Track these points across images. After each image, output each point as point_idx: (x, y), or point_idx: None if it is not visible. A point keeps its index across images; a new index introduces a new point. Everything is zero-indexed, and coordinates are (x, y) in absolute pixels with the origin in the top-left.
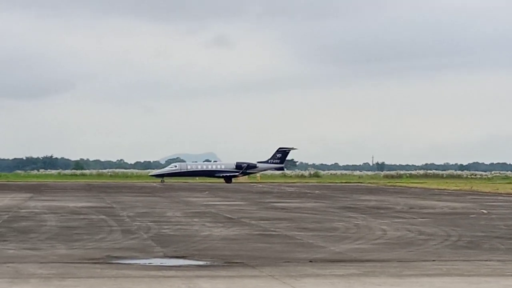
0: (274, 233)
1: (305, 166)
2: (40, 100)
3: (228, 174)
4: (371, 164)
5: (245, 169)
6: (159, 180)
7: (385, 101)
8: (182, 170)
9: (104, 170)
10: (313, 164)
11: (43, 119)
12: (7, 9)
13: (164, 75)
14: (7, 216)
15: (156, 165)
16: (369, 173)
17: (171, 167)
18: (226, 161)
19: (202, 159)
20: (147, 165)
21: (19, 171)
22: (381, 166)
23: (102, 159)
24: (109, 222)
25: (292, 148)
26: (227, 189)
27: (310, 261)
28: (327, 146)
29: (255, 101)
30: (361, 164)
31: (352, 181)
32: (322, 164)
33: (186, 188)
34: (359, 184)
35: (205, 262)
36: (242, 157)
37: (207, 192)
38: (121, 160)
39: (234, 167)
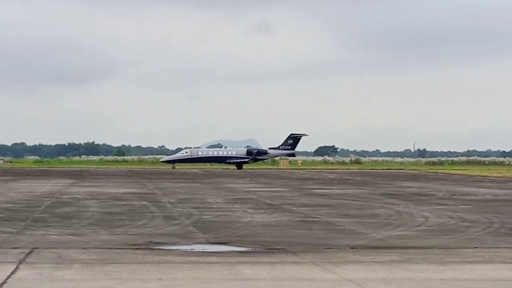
0: (315, 219)
1: (346, 153)
2: (83, 87)
3: (238, 161)
4: (412, 151)
5: (255, 155)
6: (170, 166)
7: (427, 87)
8: (193, 156)
9: (145, 156)
10: (354, 150)
11: (85, 105)
12: None
13: (206, 62)
14: (49, 201)
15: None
16: (411, 159)
17: (182, 153)
18: (237, 147)
19: (242, 145)
20: None
21: (61, 157)
22: (422, 153)
23: (144, 146)
24: (151, 208)
25: (304, 134)
26: (268, 176)
27: (352, 248)
28: (368, 133)
29: (296, 87)
30: (403, 150)
31: (393, 167)
32: (363, 151)
33: (227, 174)
34: (401, 170)
35: (247, 248)
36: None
37: (248, 178)
38: (162, 146)
39: (245, 153)
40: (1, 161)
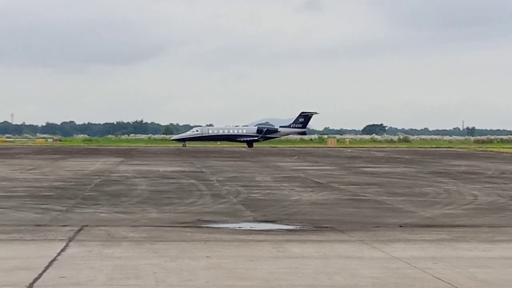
0: (363, 198)
1: (394, 131)
2: (132, 66)
3: (249, 139)
4: (461, 129)
5: (265, 133)
6: (180, 144)
7: (476, 66)
8: (203, 135)
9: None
10: (403, 129)
11: (134, 84)
12: None
13: (255, 40)
14: (99, 180)
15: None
16: (459, 138)
17: (193, 131)
18: (248, 126)
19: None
20: None
21: (110, 136)
22: (471, 131)
23: (192, 124)
24: (199, 187)
25: (315, 113)
26: (316, 154)
27: (400, 226)
28: (416, 111)
29: (344, 66)
30: (451, 129)
31: (442, 146)
32: (411, 129)
33: (275, 152)
34: (449, 149)
35: (295, 227)
36: (331, 122)
37: (296, 156)
38: (210, 124)
39: (255, 131)
40: (51, 140)
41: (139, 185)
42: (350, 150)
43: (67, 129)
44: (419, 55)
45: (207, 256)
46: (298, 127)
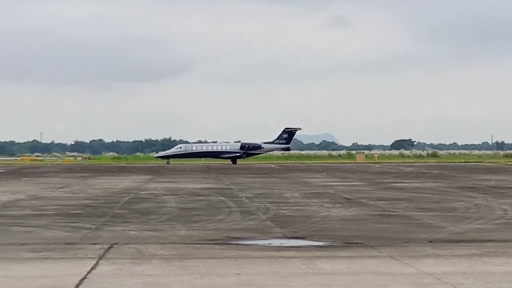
0: (392, 213)
1: (423, 146)
2: (159, 83)
3: (232, 155)
4: (490, 143)
5: (247, 149)
6: (164, 161)
7: (505, 80)
8: (187, 151)
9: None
10: (431, 143)
11: (162, 101)
12: None
13: (282, 56)
14: (128, 197)
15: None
16: (488, 152)
17: (177, 148)
18: (232, 142)
19: (319, 140)
20: None
21: (138, 153)
22: (500, 145)
23: (220, 141)
24: (228, 203)
25: (298, 128)
26: (344, 170)
27: (430, 242)
28: (445, 126)
29: (372, 81)
30: (480, 143)
31: (471, 160)
32: (440, 144)
33: (303, 168)
34: (478, 163)
35: (324, 243)
36: (359, 138)
37: (324, 172)
38: (238, 141)
39: (239, 147)
40: (80, 158)
41: (168, 203)
42: (378, 166)
43: (96, 147)
44: (447, 69)
45: (237, 273)
46: (282, 143)
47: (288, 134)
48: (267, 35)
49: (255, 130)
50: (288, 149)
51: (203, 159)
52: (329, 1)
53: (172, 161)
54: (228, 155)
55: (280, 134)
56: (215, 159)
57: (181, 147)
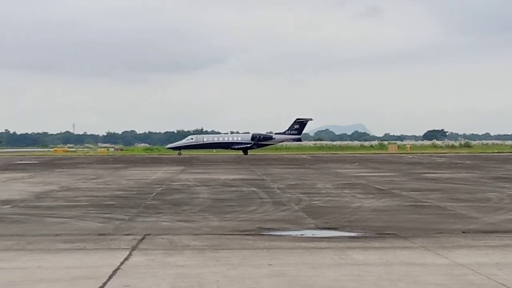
0: (425, 204)
1: (455, 136)
2: (191, 74)
3: (243, 146)
4: None
5: (258, 140)
6: (176, 152)
7: None
8: (198, 143)
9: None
10: (464, 134)
11: (193, 93)
12: None
13: (313, 47)
14: (160, 188)
15: (305, 137)
16: None
17: (188, 140)
18: (242, 133)
19: (351, 130)
20: None
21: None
22: None
23: (252, 132)
24: (260, 194)
25: (309, 119)
26: (377, 160)
27: (463, 232)
28: (477, 116)
29: (403, 72)
30: None
31: (504, 150)
32: (472, 134)
33: (335, 159)
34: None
35: (357, 234)
36: (391, 128)
37: (356, 163)
38: (270, 132)
39: (250, 138)
40: (112, 149)
41: (200, 194)
42: (411, 156)
43: (128, 138)
44: (480, 60)
45: (270, 264)
46: (293, 134)
47: (300, 125)
48: (299, 26)
49: (286, 121)
50: (299, 139)
51: (214, 150)
52: None
53: (183, 152)
54: (239, 146)
55: (291, 125)
56: (226, 150)
57: (192, 138)
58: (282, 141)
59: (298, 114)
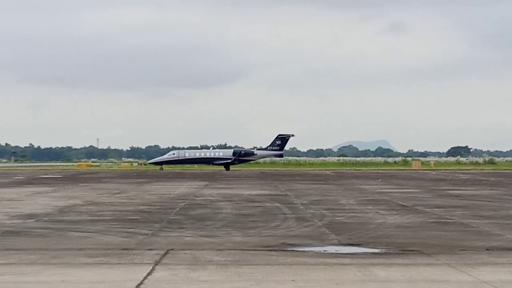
0: (449, 220)
1: (479, 153)
2: (215, 89)
3: (224, 162)
4: None
5: (238, 155)
6: (158, 167)
7: None
8: (180, 158)
9: (276, 158)
10: (488, 151)
11: (217, 107)
12: None
13: (338, 63)
14: (183, 203)
15: (329, 153)
16: None
17: (170, 155)
18: (224, 149)
19: (374, 146)
20: (319, 152)
21: None
22: None
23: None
24: (284, 210)
25: (291, 135)
26: (400, 177)
27: (487, 249)
28: (502, 133)
29: (427, 88)
30: None
31: None
32: (497, 151)
33: (358, 175)
34: None
35: (380, 250)
36: (415, 145)
37: (380, 179)
38: (293, 148)
39: (232, 154)
40: (136, 164)
41: (224, 209)
42: (434, 173)
43: (152, 153)
44: (505, 76)
45: (293, 280)
46: (275, 150)
47: (281, 141)
48: (324, 41)
49: (310, 136)
50: (281, 155)
51: (196, 165)
52: (385, 8)
53: (165, 167)
54: (220, 162)
55: (273, 141)
56: (208, 165)
57: (174, 153)
58: (264, 156)
59: (321, 129)
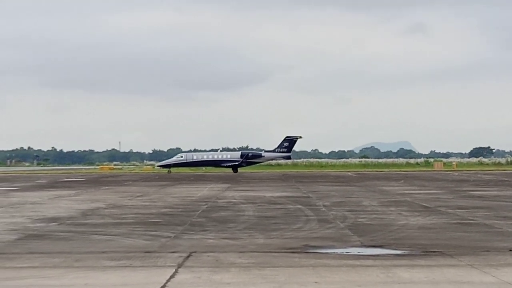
0: (472, 221)
1: (502, 154)
2: (237, 92)
3: (232, 164)
4: None
5: (245, 157)
6: (165, 170)
7: None
8: (188, 161)
9: (298, 160)
10: (510, 151)
11: (239, 110)
12: (204, 0)
13: (358, 65)
14: (206, 206)
15: (350, 154)
16: None
17: (178, 158)
18: (232, 151)
19: (396, 148)
20: (341, 154)
21: None
22: None
23: (297, 149)
24: (306, 212)
25: (299, 137)
26: (423, 178)
27: (510, 250)
28: None
29: (449, 88)
30: None
31: None
32: None
33: (380, 177)
34: None
35: (403, 251)
36: (437, 145)
37: (402, 181)
38: (315, 149)
39: (239, 156)
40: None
41: (246, 211)
42: (457, 174)
43: (173, 155)
44: None
45: (316, 282)
46: (283, 152)
47: (289, 143)
48: (344, 43)
49: (331, 138)
50: (289, 157)
51: (204, 167)
52: (405, 9)
53: (173, 170)
54: (228, 164)
55: (281, 143)
56: (216, 167)
57: (182, 156)
58: (272, 158)
59: (342, 131)
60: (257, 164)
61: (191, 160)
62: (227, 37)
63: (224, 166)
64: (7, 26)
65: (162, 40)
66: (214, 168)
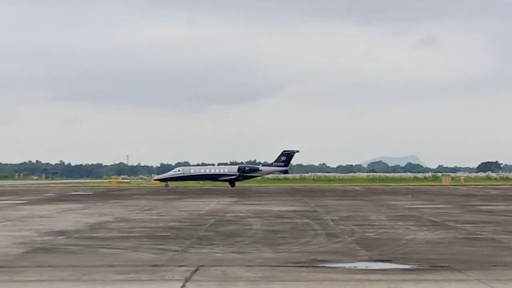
0: (480, 236)
1: (510, 168)
2: (246, 105)
3: (229, 178)
4: None
5: (242, 171)
6: (163, 184)
7: None
8: (185, 174)
9: (306, 174)
10: None
11: (249, 123)
12: (216, 14)
13: (369, 78)
14: (213, 220)
15: (358, 168)
16: None
17: (175, 171)
18: (229, 165)
19: (404, 162)
20: (349, 168)
21: None
22: None
23: (305, 163)
24: (313, 226)
25: (296, 151)
26: (430, 192)
27: None
28: None
29: (457, 102)
30: None
31: None
32: None
33: (388, 191)
34: None
35: (411, 266)
36: (445, 160)
37: (410, 195)
38: (323, 164)
39: (236, 170)
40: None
41: (253, 225)
42: (465, 188)
43: None
44: None
45: None
46: (280, 166)
47: (286, 157)
48: (355, 56)
49: (340, 152)
50: (286, 171)
51: (201, 182)
52: (417, 23)
53: (170, 184)
54: (225, 178)
55: (278, 157)
56: (213, 181)
57: (179, 170)
58: (269, 173)
59: (350, 145)
60: (255, 178)
61: (188, 174)
62: (239, 50)
63: (221, 180)
64: (18, 39)
65: (174, 53)
66: (211, 182)
